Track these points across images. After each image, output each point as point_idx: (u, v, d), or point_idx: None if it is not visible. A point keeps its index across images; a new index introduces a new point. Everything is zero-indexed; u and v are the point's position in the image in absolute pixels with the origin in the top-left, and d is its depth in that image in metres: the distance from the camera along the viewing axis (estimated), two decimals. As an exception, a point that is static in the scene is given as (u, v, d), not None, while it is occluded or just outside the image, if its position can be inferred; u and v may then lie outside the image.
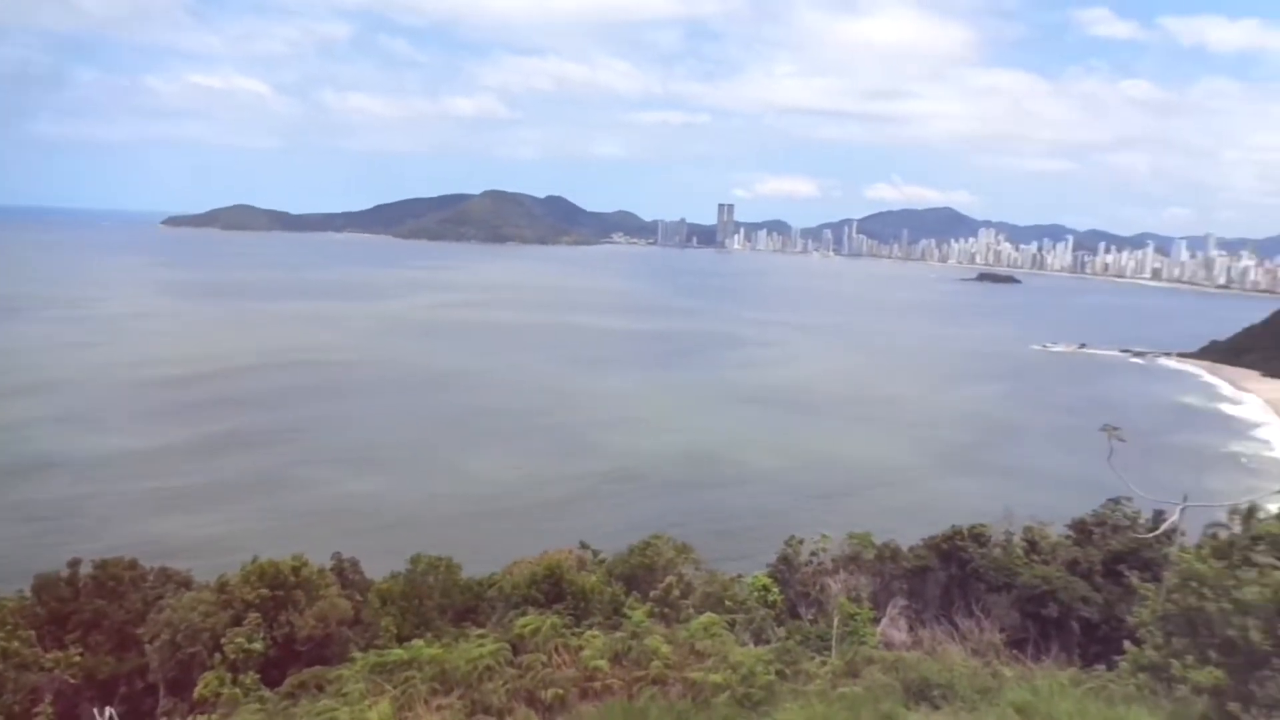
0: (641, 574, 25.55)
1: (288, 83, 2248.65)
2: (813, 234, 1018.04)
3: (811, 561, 27.88)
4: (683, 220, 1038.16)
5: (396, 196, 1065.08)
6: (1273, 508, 18.06)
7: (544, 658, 16.22)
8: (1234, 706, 14.42)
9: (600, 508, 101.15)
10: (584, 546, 29.58)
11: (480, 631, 18.35)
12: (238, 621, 21.02)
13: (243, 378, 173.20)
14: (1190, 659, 14.49)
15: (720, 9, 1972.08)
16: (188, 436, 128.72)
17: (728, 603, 23.53)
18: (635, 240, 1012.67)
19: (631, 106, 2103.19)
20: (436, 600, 24.30)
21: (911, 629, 24.37)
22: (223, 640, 20.39)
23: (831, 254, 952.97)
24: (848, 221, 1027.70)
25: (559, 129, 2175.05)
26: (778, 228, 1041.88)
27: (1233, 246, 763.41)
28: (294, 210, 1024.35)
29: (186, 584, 25.65)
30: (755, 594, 24.94)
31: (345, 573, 26.51)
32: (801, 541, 28.13)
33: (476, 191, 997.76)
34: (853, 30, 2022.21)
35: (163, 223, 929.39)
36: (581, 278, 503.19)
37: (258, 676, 19.56)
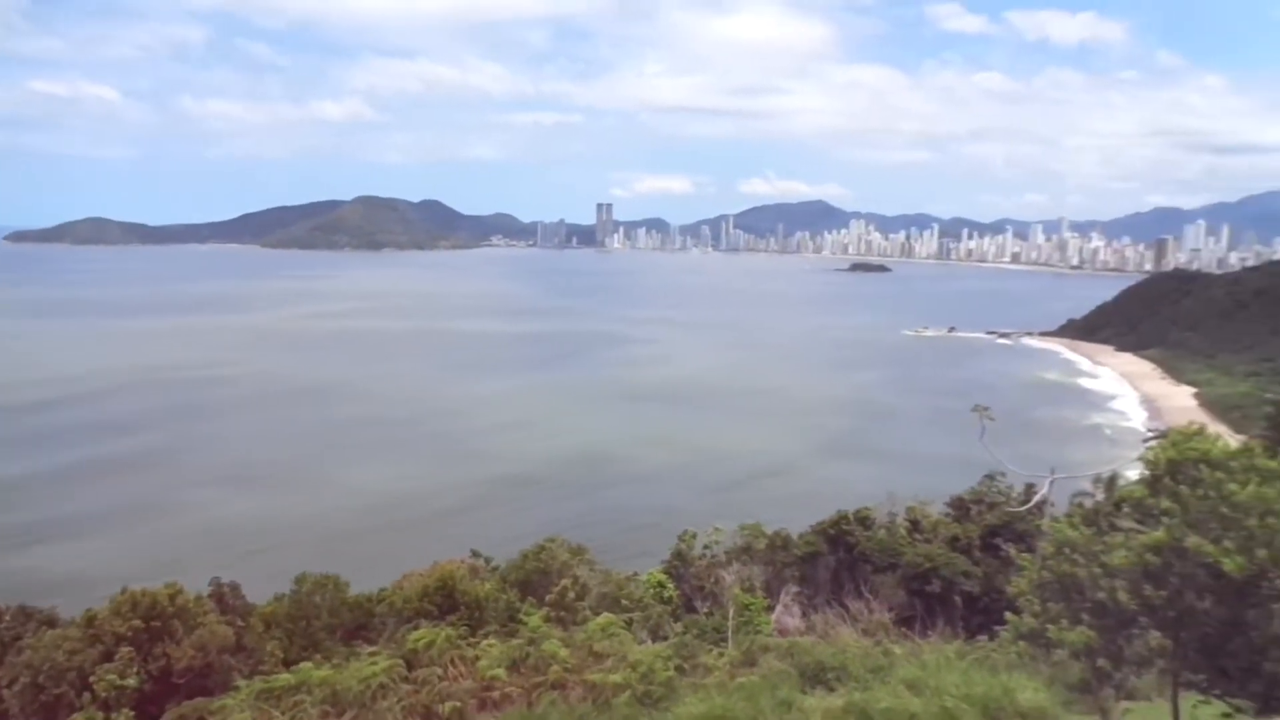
0: (536, 579, 25.29)
1: (141, 89, 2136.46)
2: (691, 231, 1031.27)
3: (705, 555, 28.19)
4: (562, 221, 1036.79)
5: (263, 205, 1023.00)
6: (1132, 474, 19.13)
7: (439, 671, 15.85)
8: (1105, 664, 15.21)
9: (491, 514, 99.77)
10: (476, 555, 29.13)
11: (372, 649, 17.85)
12: (108, 657, 19.83)
13: (103, 399, 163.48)
14: (1065, 623, 15.20)
15: (588, 8, 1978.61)
16: (44, 465, 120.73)
17: (624, 602, 23.53)
18: (515, 243, 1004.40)
19: (504, 108, 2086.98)
20: (325, 620, 23.47)
21: (804, 614, 24.87)
22: (92, 678, 19.20)
23: (710, 250, 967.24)
24: (724, 217, 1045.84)
25: (431, 132, 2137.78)
26: (657, 226, 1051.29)
27: (1083, 229, 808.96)
28: (153, 222, 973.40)
29: (50, 622, 24.14)
30: (651, 591, 25.03)
31: (225, 598, 25.38)
32: (694, 536, 28.40)
33: (348, 198, 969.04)
34: (719, 28, 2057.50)
35: (4, 238, 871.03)
36: (460, 282, 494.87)
37: (132, 714, 18.51)
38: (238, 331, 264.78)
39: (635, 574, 27.04)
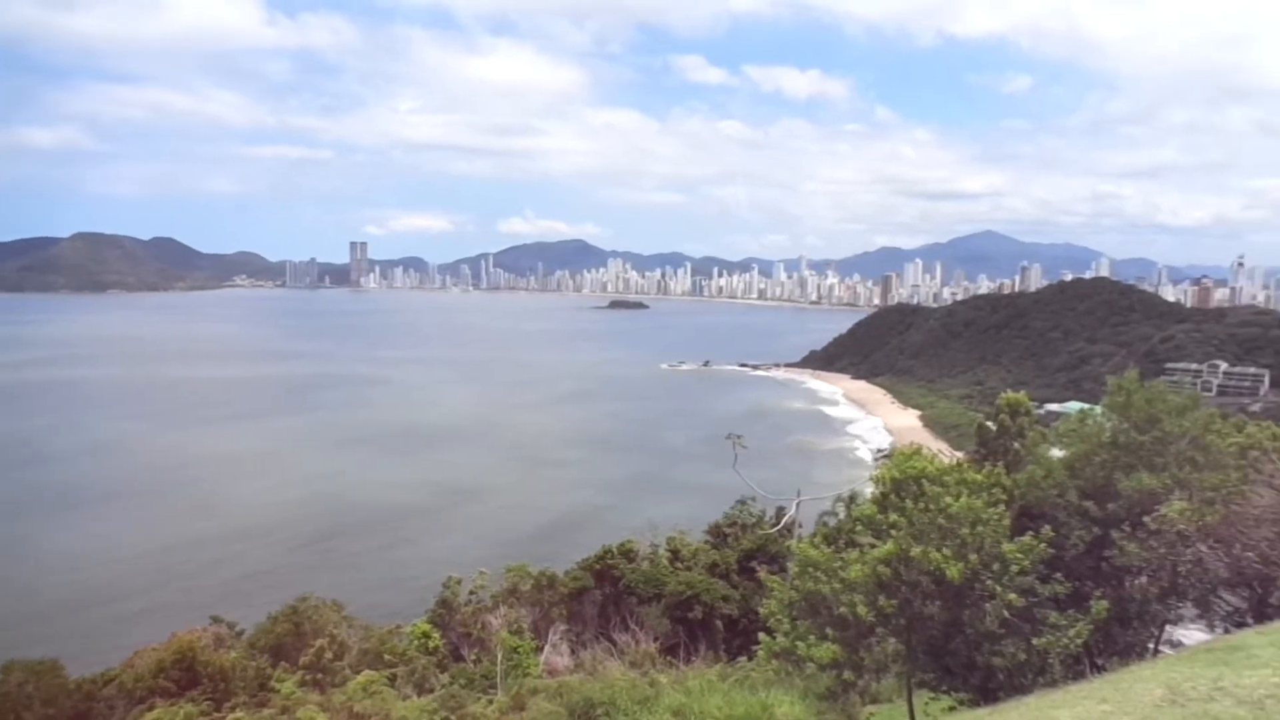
0: (289, 641, 23.72)
1: None
2: (450, 269, 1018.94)
3: (471, 600, 27.56)
4: (313, 260, 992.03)
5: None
6: (868, 492, 20.72)
7: (179, 754, 14.49)
8: (849, 675, 16.31)
9: (231, 575, 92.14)
10: (218, 621, 26.84)
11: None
12: None
13: None
14: (813, 639, 16.18)
15: (333, 42, 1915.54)
16: None
17: (387, 656, 22.57)
18: (261, 283, 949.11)
19: (244, 140, 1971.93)
20: (38, 711, 20.83)
21: (573, 652, 24.88)
22: None
23: (470, 289, 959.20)
24: (484, 256, 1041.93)
25: (163, 164, 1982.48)
26: (415, 264, 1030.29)
27: (820, 267, 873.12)
28: None
29: None
30: (416, 643, 24.15)
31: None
32: (459, 581, 27.71)
33: (65, 234, 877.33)
34: (474, 68, 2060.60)
35: None
36: (193, 325, 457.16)
37: None
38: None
39: (398, 626, 25.98)
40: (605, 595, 28.66)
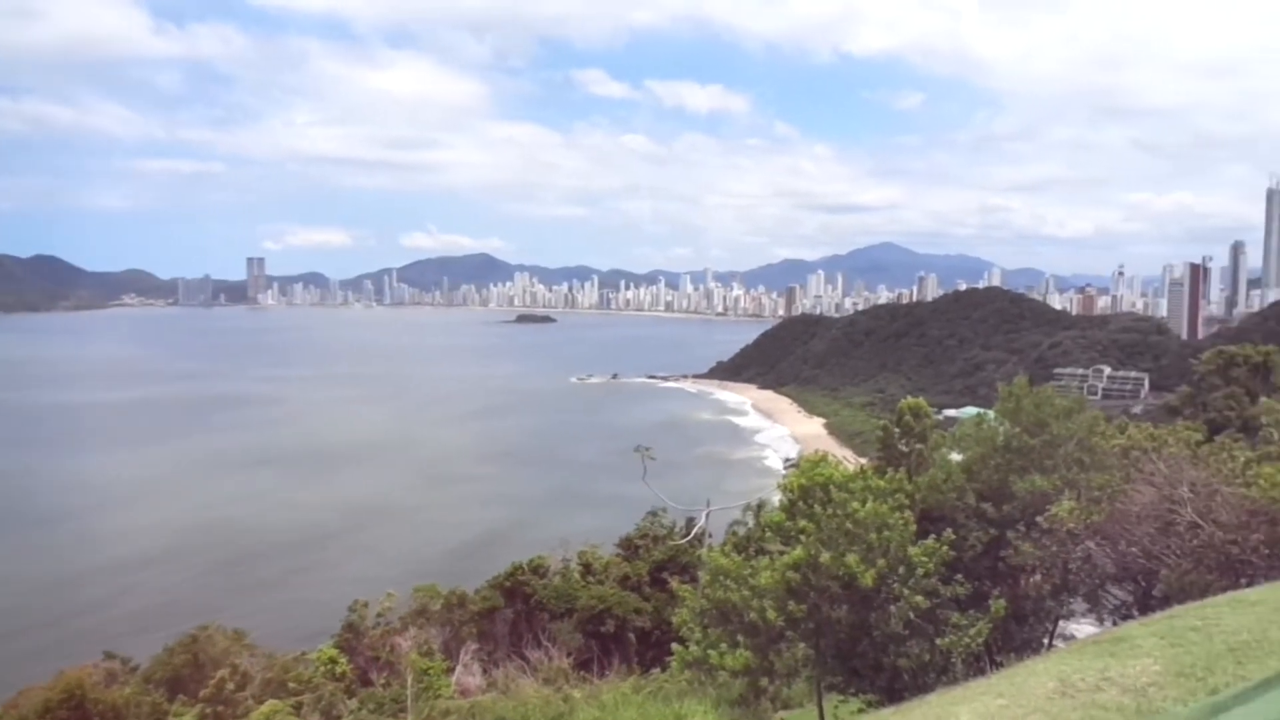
0: (188, 674, 22.85)
1: None
2: (353, 285, 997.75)
3: (379, 623, 26.98)
4: (207, 277, 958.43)
5: None
6: (776, 500, 21.08)
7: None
8: (763, 681, 16.55)
9: (128, 608, 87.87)
10: (111, 656, 25.66)
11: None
12: None
13: None
14: (724, 647, 16.36)
15: (225, 52, 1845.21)
16: None
17: (292, 685, 21.90)
18: (152, 301, 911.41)
19: (132, 153, 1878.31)
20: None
21: (485, 671, 24.56)
22: None
23: (373, 304, 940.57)
24: (387, 271, 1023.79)
25: (42, 178, 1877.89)
26: (315, 280, 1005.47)
27: (725, 279, 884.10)
28: None
29: None
30: (322, 669, 23.50)
31: None
32: (366, 604, 27.08)
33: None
34: (372, 80, 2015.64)
35: None
36: (70, 347, 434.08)
37: None
38: None
39: (304, 653, 25.21)
40: (516, 612, 28.41)
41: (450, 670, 23.40)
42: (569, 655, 25.04)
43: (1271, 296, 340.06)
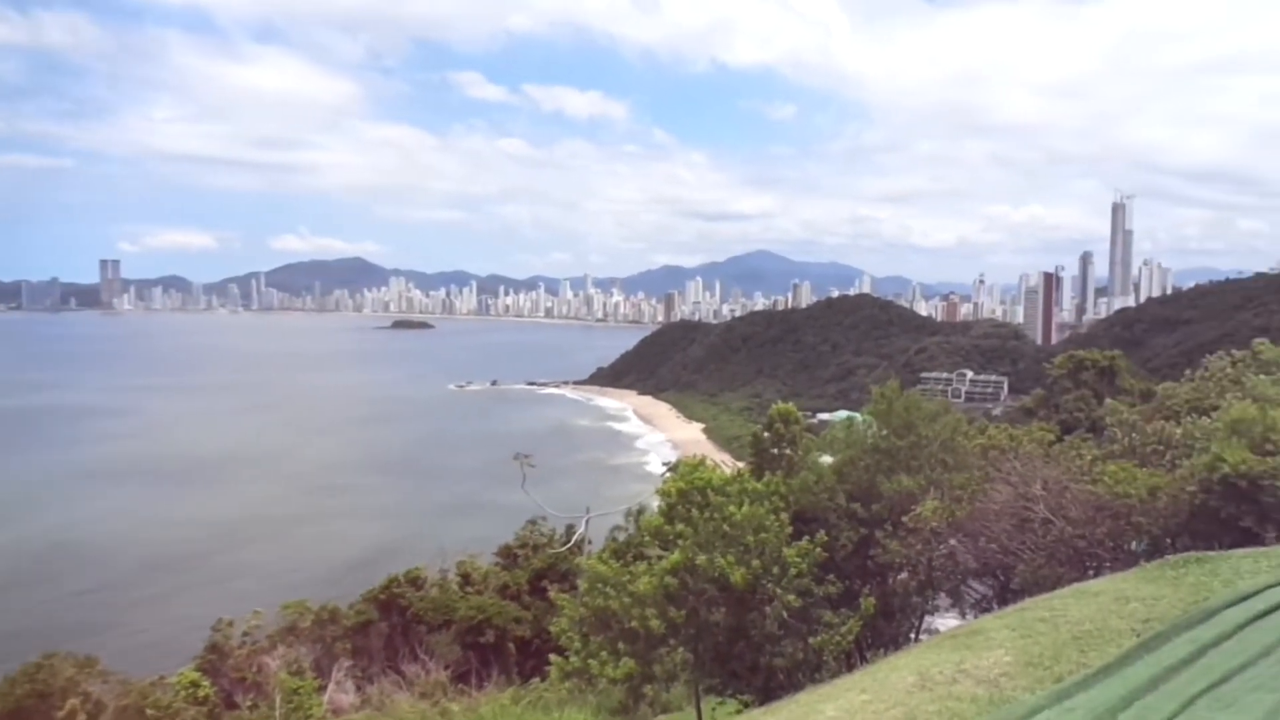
0: (33, 704, 21.38)
1: None
2: (218, 290, 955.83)
3: (246, 642, 25.87)
4: (55, 280, 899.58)
5: None
6: (655, 505, 21.26)
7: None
8: (648, 690, 16.66)
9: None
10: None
11: None
12: None
13: None
14: (604, 655, 16.39)
15: (74, 41, 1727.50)
16: None
17: (150, 711, 20.79)
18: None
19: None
20: None
21: (359, 688, 23.91)
22: None
23: (240, 309, 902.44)
24: (255, 275, 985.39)
25: None
26: (176, 284, 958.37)
27: (605, 285, 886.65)
28: None
29: None
30: (183, 693, 22.38)
31: None
32: (231, 623, 25.90)
33: None
34: (238, 77, 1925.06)
35: None
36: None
37: None
38: None
39: (162, 678, 23.95)
40: (392, 626, 27.74)
41: (322, 689, 22.66)
42: (447, 668, 24.62)
43: (1117, 304, 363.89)
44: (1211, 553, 12.63)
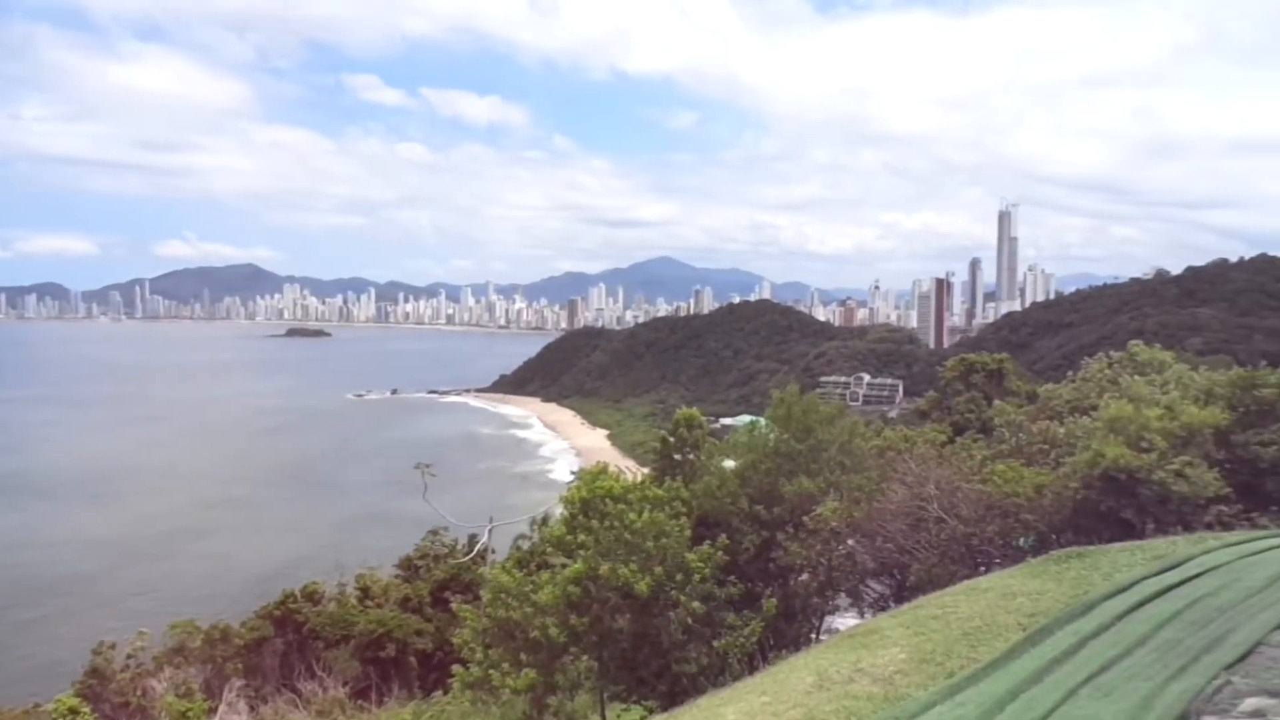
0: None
1: None
2: (99, 297, 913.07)
3: (130, 665, 24.70)
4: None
5: None
6: (559, 513, 21.13)
7: None
8: (552, 701, 16.52)
9: None
10: None
11: None
12: None
13: None
14: (506, 666, 16.20)
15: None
16: None
17: (24, 742, 19.68)
18: None
19: None
20: None
21: (253, 709, 23.09)
22: None
23: (122, 318, 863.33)
24: (139, 281, 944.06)
25: None
26: (53, 292, 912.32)
27: (507, 292, 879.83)
28: None
29: None
30: (61, 721, 21.23)
31: None
32: (114, 645, 24.71)
33: None
34: (116, 75, 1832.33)
35: None
36: None
37: None
38: None
39: (37, 705, 22.69)
40: (288, 643, 26.89)
41: (212, 710, 21.79)
42: (345, 684, 24.00)
43: (1004, 308, 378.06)
44: (1092, 547, 13.21)
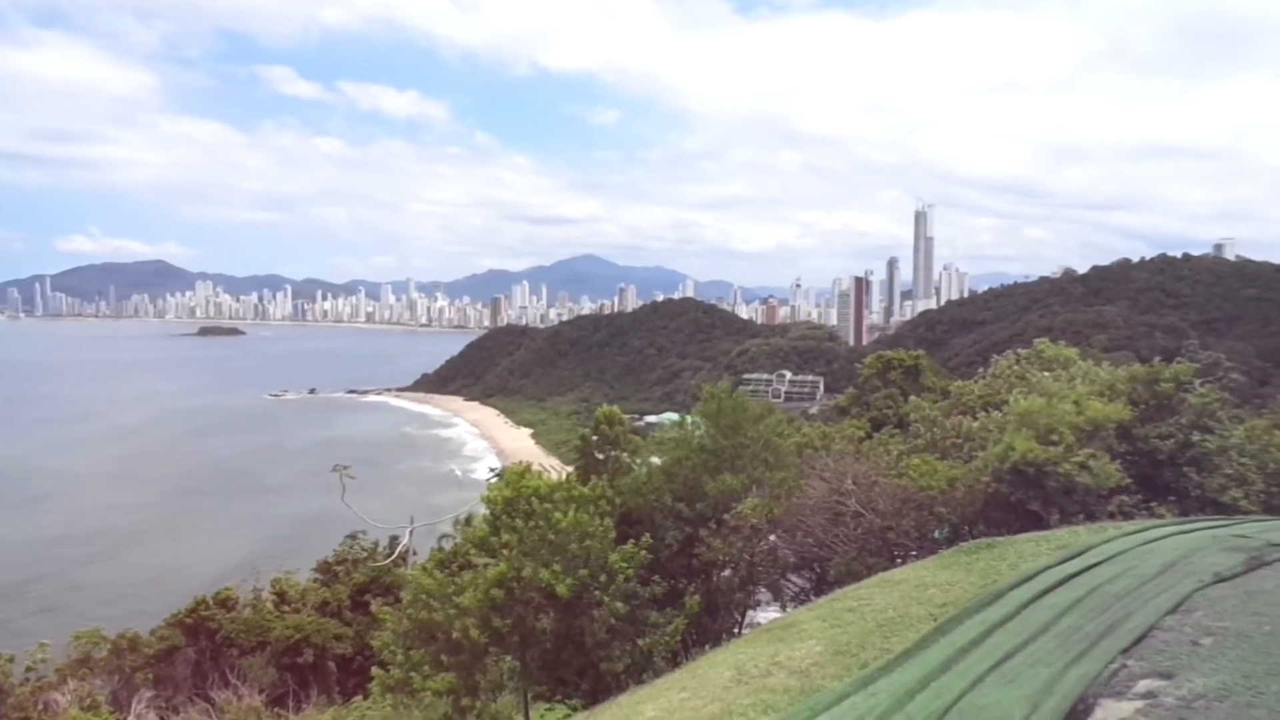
0: None
1: None
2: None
3: (29, 679, 23.70)
4: None
5: None
6: (480, 510, 20.96)
7: None
8: (466, 701, 16.39)
9: None
10: None
11: None
12: None
13: None
14: (427, 669, 16.03)
15: None
16: None
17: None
18: None
19: None
20: None
21: (163, 719, 22.42)
22: None
23: (21, 316, 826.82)
24: (40, 278, 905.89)
25: None
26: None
27: (428, 289, 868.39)
28: None
29: None
30: (-45, 739, 20.31)
31: None
32: (12, 659, 23.67)
33: None
34: (14, 62, 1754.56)
35: None
36: None
37: None
38: None
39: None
40: (200, 651, 26.16)
41: (121, 723, 21.10)
42: (262, 692, 23.43)
43: (921, 306, 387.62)
44: (1000, 538, 13.64)
